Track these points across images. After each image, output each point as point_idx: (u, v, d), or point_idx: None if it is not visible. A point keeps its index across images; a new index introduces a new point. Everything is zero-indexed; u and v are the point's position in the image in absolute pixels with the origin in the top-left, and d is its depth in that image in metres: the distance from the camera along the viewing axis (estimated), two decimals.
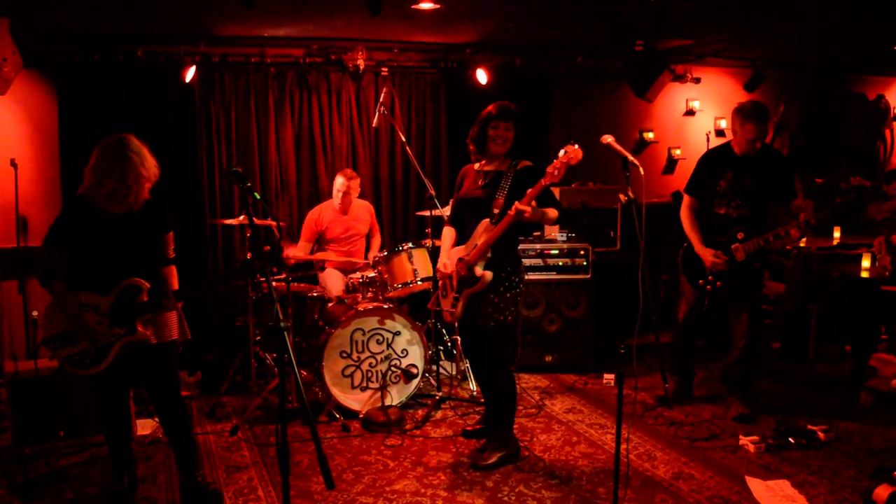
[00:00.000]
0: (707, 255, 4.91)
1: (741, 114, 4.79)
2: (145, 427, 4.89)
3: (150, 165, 3.70)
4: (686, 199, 5.14)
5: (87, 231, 3.65)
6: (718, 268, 4.87)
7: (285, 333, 2.73)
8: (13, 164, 5.73)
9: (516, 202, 3.94)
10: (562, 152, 3.79)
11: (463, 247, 4.28)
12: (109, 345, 3.66)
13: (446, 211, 5.65)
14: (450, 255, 4.36)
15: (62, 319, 3.66)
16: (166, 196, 3.86)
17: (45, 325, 3.68)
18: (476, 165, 4.36)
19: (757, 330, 5.03)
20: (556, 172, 3.83)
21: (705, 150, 5.20)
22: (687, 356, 5.43)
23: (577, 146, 3.77)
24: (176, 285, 3.88)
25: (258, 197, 3.11)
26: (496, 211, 4.11)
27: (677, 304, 5.31)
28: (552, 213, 4.13)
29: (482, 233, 4.14)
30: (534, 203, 3.96)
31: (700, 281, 5.01)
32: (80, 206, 3.68)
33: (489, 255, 4.12)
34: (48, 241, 3.69)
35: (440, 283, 4.43)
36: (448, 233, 4.50)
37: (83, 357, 3.66)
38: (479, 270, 4.13)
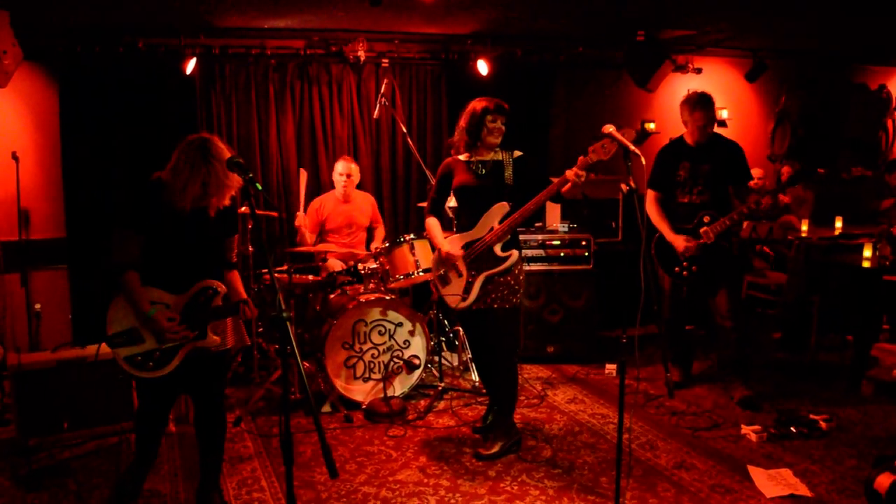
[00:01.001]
0: (678, 241, 5.07)
1: (689, 104, 5.06)
2: None
3: (231, 174, 3.38)
4: (650, 193, 5.31)
5: (162, 221, 3.41)
6: (690, 252, 5.03)
7: (288, 324, 2.73)
8: (14, 156, 5.73)
9: (570, 170, 4.00)
10: (619, 133, 3.75)
11: (467, 233, 4.38)
12: (177, 348, 3.43)
13: (448, 202, 5.66)
14: (451, 241, 4.45)
15: (130, 315, 3.39)
16: None
17: (111, 320, 3.39)
18: (462, 157, 4.43)
19: (738, 309, 5.17)
20: (608, 149, 3.90)
21: None
22: (681, 343, 5.55)
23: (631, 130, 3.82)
24: (244, 292, 3.70)
25: (260, 188, 3.09)
26: (506, 194, 4.27)
27: (661, 298, 5.38)
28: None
29: (497, 215, 4.27)
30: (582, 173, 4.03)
31: (676, 269, 5.16)
32: (157, 192, 3.40)
33: (508, 235, 4.27)
34: (121, 223, 3.40)
35: (441, 270, 4.49)
36: (435, 222, 4.58)
37: (147, 358, 3.40)
38: (500, 251, 4.25)
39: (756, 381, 5.35)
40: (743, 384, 5.15)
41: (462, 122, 4.37)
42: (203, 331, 3.47)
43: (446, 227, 4.81)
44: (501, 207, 4.28)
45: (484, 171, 4.34)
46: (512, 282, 4.30)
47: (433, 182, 5.47)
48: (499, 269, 4.26)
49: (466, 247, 4.37)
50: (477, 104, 4.31)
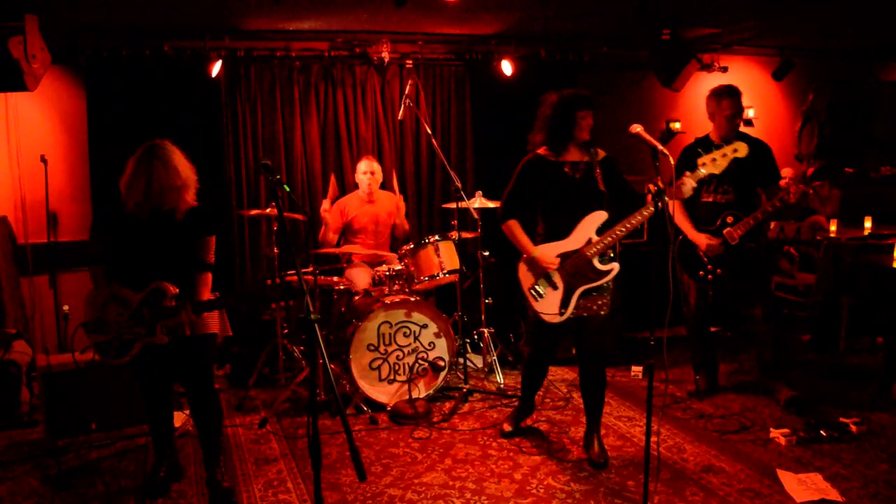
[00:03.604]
0: (701, 239, 4.92)
1: (716, 94, 4.97)
2: (176, 419, 4.92)
3: (180, 173, 3.71)
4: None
5: (120, 231, 3.77)
6: (714, 251, 4.87)
7: (316, 326, 2.73)
8: (43, 159, 5.80)
9: (687, 184, 3.92)
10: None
11: (559, 242, 4.16)
12: (131, 341, 3.70)
13: (473, 203, 5.66)
14: (542, 249, 4.19)
15: (96, 304, 3.75)
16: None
17: (84, 309, 3.78)
18: (549, 156, 4.19)
19: (772, 311, 5.06)
20: (719, 163, 3.90)
21: None
22: (707, 349, 5.38)
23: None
24: (208, 293, 3.85)
25: (288, 189, 3.10)
26: (603, 202, 4.14)
27: (686, 302, 5.28)
28: None
29: (594, 224, 4.10)
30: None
31: (700, 272, 5.00)
32: (116, 206, 3.77)
33: (608, 249, 4.12)
34: (90, 230, 3.95)
35: (533, 282, 4.22)
36: (518, 225, 4.28)
37: (109, 346, 3.72)
38: (599, 263, 4.10)
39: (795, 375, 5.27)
40: (787, 384, 5.04)
41: (545, 117, 4.18)
42: (151, 329, 3.67)
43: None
44: (599, 216, 4.11)
45: (578, 174, 4.15)
46: (606, 290, 4.19)
47: (457, 183, 5.47)
48: (599, 282, 4.12)
49: (560, 258, 4.14)
50: (562, 97, 4.12)
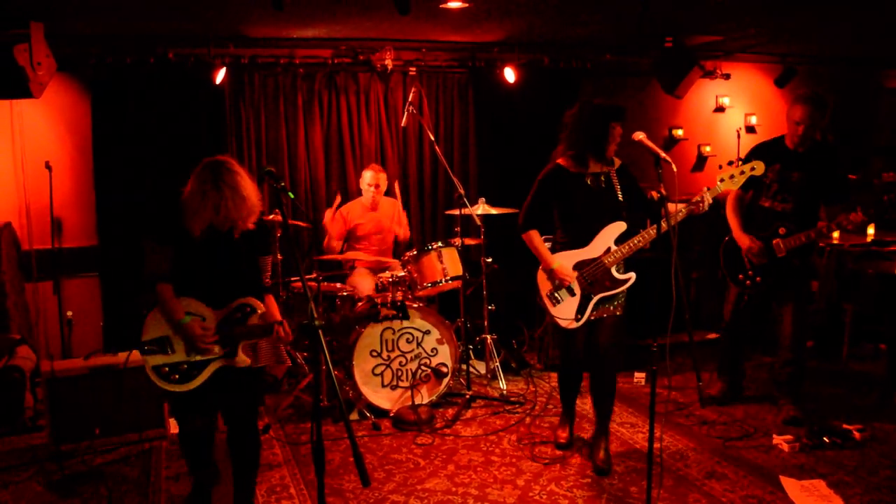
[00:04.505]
0: (745, 240, 4.81)
1: (794, 99, 4.73)
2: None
3: (247, 202, 3.42)
4: (732, 192, 5.01)
5: (184, 239, 3.45)
6: (754, 254, 4.76)
7: (320, 332, 2.73)
8: (48, 166, 5.82)
9: (706, 200, 4.03)
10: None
11: (578, 250, 4.20)
12: (205, 363, 3.45)
13: (476, 210, 5.67)
14: (560, 258, 4.23)
15: (164, 325, 3.44)
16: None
17: (146, 329, 3.46)
18: (568, 166, 4.19)
19: (802, 329, 4.89)
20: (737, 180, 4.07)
21: (735, 147, 5.15)
22: (734, 356, 5.29)
23: None
24: (279, 315, 3.65)
25: (292, 196, 3.10)
26: (622, 212, 4.17)
27: (724, 304, 5.20)
28: None
29: (613, 234, 4.13)
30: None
31: (740, 276, 4.92)
32: (179, 212, 3.44)
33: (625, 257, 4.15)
34: (149, 235, 3.47)
35: (550, 289, 4.26)
36: (537, 235, 4.30)
37: (173, 370, 3.43)
38: (617, 272, 4.15)
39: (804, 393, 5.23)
40: (793, 403, 4.93)
41: (574, 128, 4.13)
42: (234, 348, 3.45)
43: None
44: (619, 226, 4.14)
45: (599, 185, 4.17)
46: (621, 294, 4.25)
47: (460, 190, 5.49)
48: (616, 291, 4.17)
49: (579, 265, 4.19)
50: (595, 109, 4.10)
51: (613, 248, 4.12)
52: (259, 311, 3.48)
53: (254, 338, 3.50)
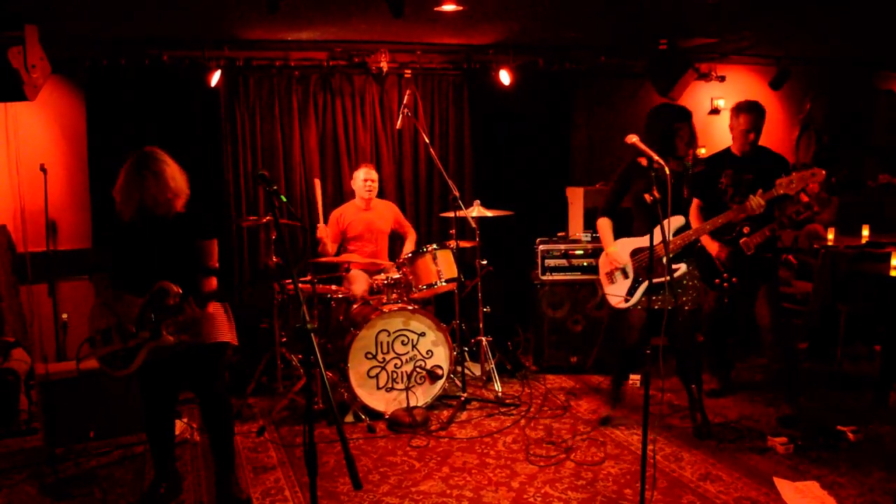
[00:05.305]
0: (714, 246, 5.00)
1: (735, 109, 5.08)
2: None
3: (171, 186, 3.73)
4: (693, 201, 5.14)
5: (120, 240, 3.80)
6: (725, 256, 4.95)
7: (312, 335, 2.74)
8: (42, 169, 5.82)
9: (754, 198, 4.44)
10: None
11: (638, 238, 4.63)
12: (137, 347, 3.64)
13: (471, 212, 5.68)
14: (621, 244, 4.69)
15: (103, 316, 3.71)
16: (192, 200, 3.87)
17: (89, 323, 3.76)
18: (644, 163, 4.26)
19: (780, 322, 5.13)
20: (795, 186, 4.39)
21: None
22: (719, 354, 5.56)
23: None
24: (225, 295, 3.91)
25: (284, 199, 3.12)
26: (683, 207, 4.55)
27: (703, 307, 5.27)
28: None
29: (672, 227, 4.39)
30: None
31: (716, 280, 5.04)
32: (113, 215, 3.82)
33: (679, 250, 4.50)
34: (93, 241, 4.01)
35: (608, 269, 4.77)
36: (607, 223, 4.79)
37: (114, 357, 3.67)
38: (666, 262, 4.26)
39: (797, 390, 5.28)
40: (789, 402, 5.04)
41: (647, 128, 4.44)
42: (157, 331, 3.62)
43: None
44: (677, 220, 4.45)
45: (675, 181, 4.31)
46: (700, 285, 4.65)
47: (455, 192, 5.49)
48: (665, 279, 4.34)
49: (635, 252, 4.60)
50: (660, 112, 4.50)
51: (669, 239, 4.24)
52: (173, 293, 3.62)
53: (169, 317, 3.65)
